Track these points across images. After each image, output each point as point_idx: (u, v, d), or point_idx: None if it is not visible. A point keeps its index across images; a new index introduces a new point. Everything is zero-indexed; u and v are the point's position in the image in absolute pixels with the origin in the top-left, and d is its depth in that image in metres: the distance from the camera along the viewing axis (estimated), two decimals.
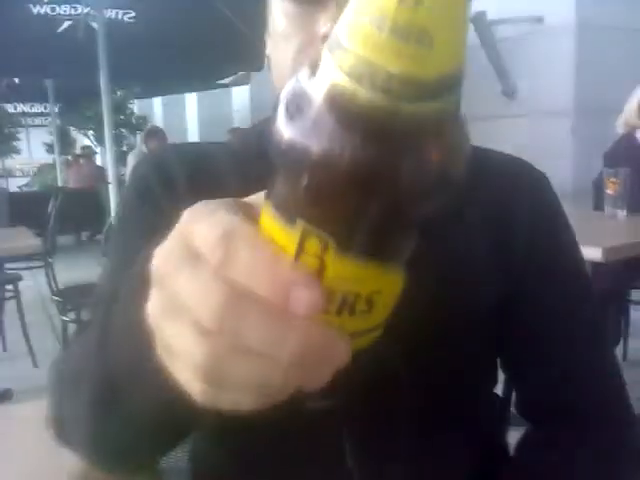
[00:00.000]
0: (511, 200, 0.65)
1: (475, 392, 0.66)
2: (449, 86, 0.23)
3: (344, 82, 0.22)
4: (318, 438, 0.56)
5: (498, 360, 0.69)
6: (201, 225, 0.26)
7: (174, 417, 0.37)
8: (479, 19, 4.40)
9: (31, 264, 4.50)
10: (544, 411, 0.67)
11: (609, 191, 2.63)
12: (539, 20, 4.41)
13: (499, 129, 4.48)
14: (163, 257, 0.27)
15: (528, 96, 4.56)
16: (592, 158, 3.58)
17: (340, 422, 0.58)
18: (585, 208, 3.15)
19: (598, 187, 2.93)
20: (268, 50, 0.62)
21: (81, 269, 5.77)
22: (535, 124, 4.52)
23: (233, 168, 0.63)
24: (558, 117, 4.42)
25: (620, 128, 3.10)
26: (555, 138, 4.41)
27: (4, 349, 3.70)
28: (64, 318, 3.05)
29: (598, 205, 2.95)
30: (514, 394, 0.74)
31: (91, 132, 10.77)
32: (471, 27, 4.51)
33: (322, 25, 0.54)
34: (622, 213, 2.60)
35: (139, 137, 8.46)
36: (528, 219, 0.64)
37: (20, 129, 13.36)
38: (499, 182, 0.65)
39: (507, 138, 4.30)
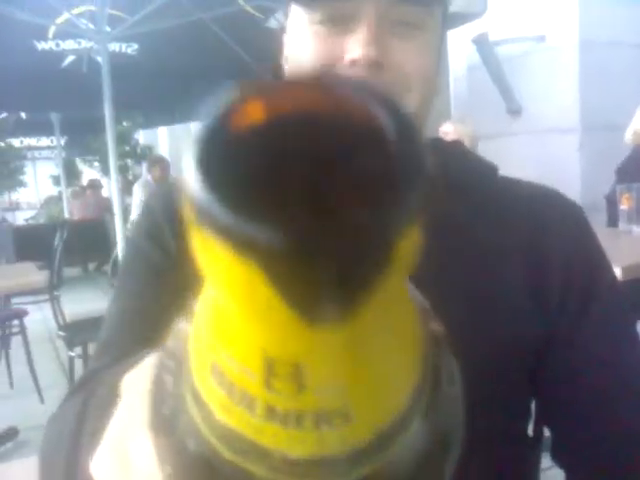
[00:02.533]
0: (548, 235, 0.61)
1: (505, 432, 0.61)
2: (386, 441, 0.18)
3: (224, 453, 0.18)
4: None
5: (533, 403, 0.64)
6: (134, 447, 0.25)
7: None
8: (482, 40, 4.41)
9: (38, 297, 4.48)
10: (585, 463, 0.62)
11: (623, 207, 2.59)
12: (541, 39, 4.41)
13: (506, 147, 4.46)
14: (103, 469, 0.27)
15: (534, 114, 4.54)
16: (600, 174, 3.54)
17: None
18: (596, 224, 3.09)
19: (611, 203, 2.89)
20: (285, 76, 0.61)
21: (88, 301, 5.75)
22: (542, 141, 4.49)
23: None
24: (564, 134, 4.39)
25: (629, 141, 3.07)
26: (562, 155, 4.38)
27: (10, 386, 3.65)
28: (70, 353, 3.00)
29: (612, 221, 2.91)
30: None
31: (97, 163, 10.85)
32: (474, 48, 4.52)
33: (350, 49, 0.53)
34: (637, 229, 2.56)
35: (144, 167, 8.51)
36: (567, 255, 0.60)
37: (26, 162, 13.50)
38: (532, 216, 0.62)
39: (515, 156, 4.27)
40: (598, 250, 0.64)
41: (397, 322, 0.17)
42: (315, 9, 0.55)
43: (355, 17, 0.53)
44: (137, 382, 0.27)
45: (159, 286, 0.59)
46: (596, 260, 0.64)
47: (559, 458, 0.64)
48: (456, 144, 0.70)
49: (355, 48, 0.53)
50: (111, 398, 0.29)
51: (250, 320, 0.15)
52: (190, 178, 0.14)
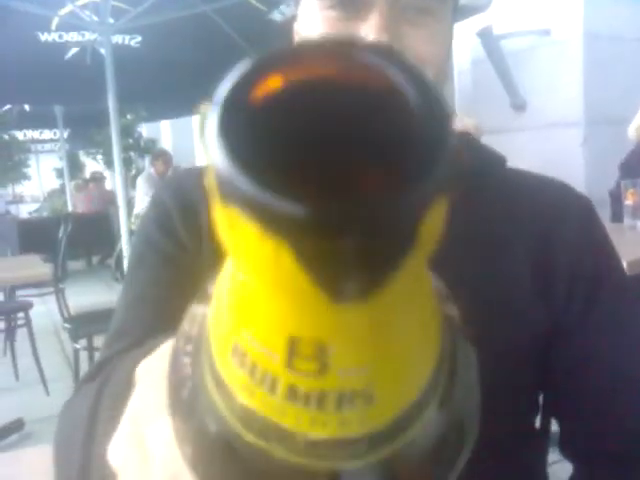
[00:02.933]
0: (556, 227, 0.61)
1: (513, 424, 0.61)
2: (404, 424, 0.18)
3: (245, 435, 0.18)
4: None
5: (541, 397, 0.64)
6: (152, 433, 0.25)
7: None
8: (486, 34, 4.39)
9: (42, 290, 4.48)
10: (593, 456, 0.62)
11: (628, 202, 2.59)
12: (546, 32, 4.39)
13: (510, 141, 4.45)
14: (121, 455, 0.27)
15: (538, 108, 4.53)
16: (605, 167, 3.53)
17: None
18: (602, 219, 3.09)
19: (615, 198, 2.88)
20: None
21: (92, 293, 5.76)
22: (546, 135, 4.48)
23: None
24: (569, 128, 4.38)
25: (632, 136, 3.06)
26: (566, 149, 4.37)
27: (16, 378, 3.66)
28: (76, 345, 3.01)
29: (616, 216, 2.90)
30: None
31: (100, 156, 10.84)
32: (478, 41, 4.50)
33: (361, 35, 0.53)
34: None
35: (147, 160, 8.49)
36: (574, 246, 0.60)
37: (30, 155, 13.48)
38: (539, 208, 0.62)
39: (519, 150, 4.26)
40: (606, 241, 0.64)
41: (418, 303, 0.17)
42: None
43: (367, 2, 0.53)
44: (152, 369, 0.28)
45: (171, 274, 0.60)
46: (604, 250, 0.64)
47: (567, 450, 0.65)
48: (465, 135, 0.70)
49: (367, 34, 0.53)
50: (126, 385, 0.30)
51: (274, 298, 0.15)
52: (214, 153, 0.13)
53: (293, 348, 0.16)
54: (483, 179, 0.62)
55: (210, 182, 0.14)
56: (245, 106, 0.14)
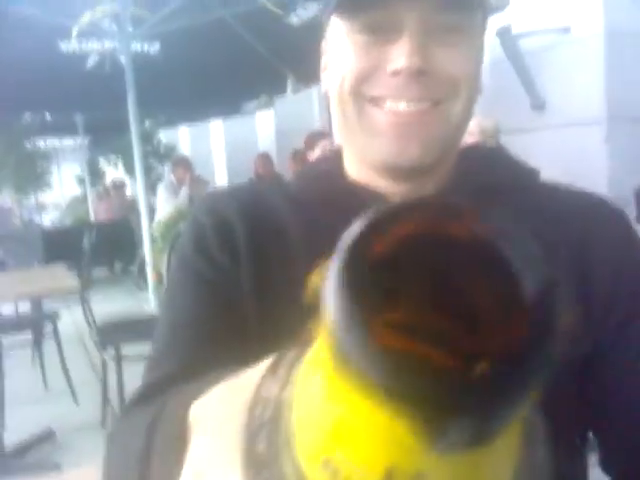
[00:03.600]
0: (592, 243, 0.60)
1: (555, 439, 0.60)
2: None
3: None
4: None
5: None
6: None
7: None
8: (504, 33, 4.35)
9: (68, 299, 4.52)
10: (632, 473, 0.61)
11: None
12: (566, 30, 4.34)
13: (531, 142, 4.41)
14: None
15: (558, 107, 4.48)
16: (627, 167, 3.48)
17: None
18: None
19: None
20: (324, 86, 0.62)
21: (116, 301, 5.81)
22: (567, 135, 4.43)
23: (295, 217, 0.62)
24: (590, 127, 4.33)
25: None
26: (588, 148, 4.32)
27: (45, 388, 3.71)
28: (104, 356, 3.04)
29: None
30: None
31: (120, 163, 10.92)
32: (497, 41, 4.47)
33: (392, 59, 0.53)
34: None
35: (167, 167, 8.54)
36: (611, 263, 0.60)
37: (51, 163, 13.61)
38: (578, 224, 0.61)
39: (540, 150, 4.22)
40: None
41: (512, 435, 0.18)
42: (354, 19, 0.55)
43: (396, 26, 0.53)
44: (209, 416, 0.27)
45: (209, 297, 0.60)
46: None
47: (607, 467, 0.64)
48: (498, 150, 0.70)
49: (398, 58, 0.53)
50: (179, 427, 0.30)
51: (379, 438, 0.16)
52: (340, 321, 0.14)
53: (390, 475, 0.16)
54: (516, 194, 0.61)
55: (325, 342, 0.14)
56: (365, 267, 0.14)
